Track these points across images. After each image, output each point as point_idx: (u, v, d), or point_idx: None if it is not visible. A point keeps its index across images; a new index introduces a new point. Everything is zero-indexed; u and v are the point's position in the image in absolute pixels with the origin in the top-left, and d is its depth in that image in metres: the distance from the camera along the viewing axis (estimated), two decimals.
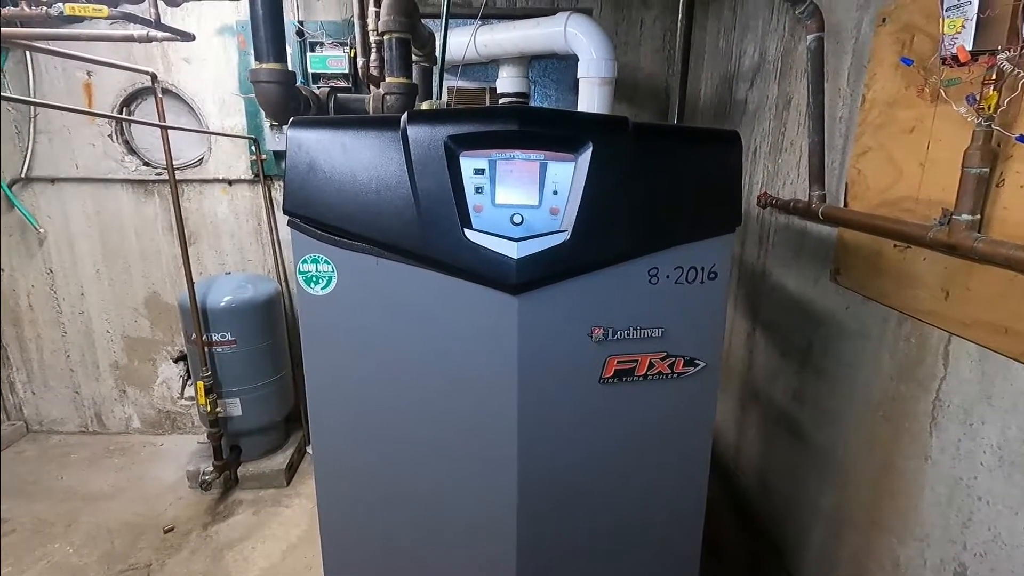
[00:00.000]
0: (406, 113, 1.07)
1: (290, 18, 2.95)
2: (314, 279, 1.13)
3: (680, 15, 1.96)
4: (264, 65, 1.41)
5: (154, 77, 2.43)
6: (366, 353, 1.16)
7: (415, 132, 1.05)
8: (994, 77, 1.09)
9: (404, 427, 1.20)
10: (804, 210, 1.86)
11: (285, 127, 2.86)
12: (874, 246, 1.62)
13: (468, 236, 1.06)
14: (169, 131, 2.63)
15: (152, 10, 1.64)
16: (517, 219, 1.06)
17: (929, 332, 1.42)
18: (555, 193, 1.07)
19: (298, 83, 3.03)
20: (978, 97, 1.08)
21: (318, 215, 1.09)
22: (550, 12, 2.60)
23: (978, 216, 1.22)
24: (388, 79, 1.68)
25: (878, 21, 1.62)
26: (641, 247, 1.10)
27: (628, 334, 1.14)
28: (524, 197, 1.07)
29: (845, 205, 1.76)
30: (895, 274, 1.53)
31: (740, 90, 2.62)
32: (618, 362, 1.16)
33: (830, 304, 1.86)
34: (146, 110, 3.15)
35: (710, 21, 2.98)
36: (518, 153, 1.07)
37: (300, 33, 2.95)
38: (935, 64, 1.25)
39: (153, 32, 1.73)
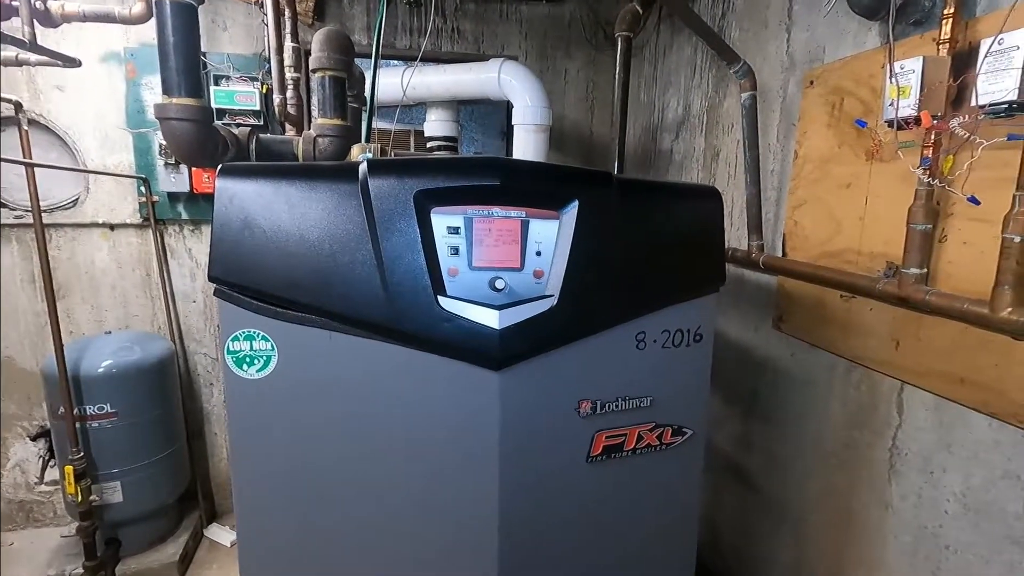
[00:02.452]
0: (366, 162, 0.92)
1: None
2: (247, 360, 0.91)
3: (617, 67, 1.98)
4: (174, 100, 1.19)
5: (18, 106, 2.06)
6: (316, 448, 0.96)
7: (378, 184, 0.90)
8: (936, 142, 1.15)
9: (366, 536, 1.00)
10: (744, 259, 1.90)
11: (183, 166, 2.53)
12: (817, 295, 1.66)
13: (442, 304, 0.91)
14: (36, 169, 2.23)
15: (27, 29, 1.35)
16: (499, 284, 0.94)
17: (880, 380, 1.46)
18: (539, 254, 0.96)
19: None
20: (931, 160, 1.12)
21: (255, 282, 0.89)
22: (478, 58, 2.57)
23: (925, 270, 1.27)
24: (321, 120, 1.50)
25: (806, 83, 1.71)
26: (630, 310, 1.02)
27: (617, 405, 1.04)
28: (505, 258, 0.95)
29: (784, 255, 1.81)
30: (841, 323, 1.57)
31: (665, 140, 2.71)
32: (607, 437, 1.04)
33: (774, 351, 1.89)
34: (6, 143, 2.68)
35: (631, 75, 3.10)
36: (497, 210, 0.95)
37: (203, 65, 2.67)
38: (879, 127, 1.31)
39: (25, 55, 1.43)
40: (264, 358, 0.91)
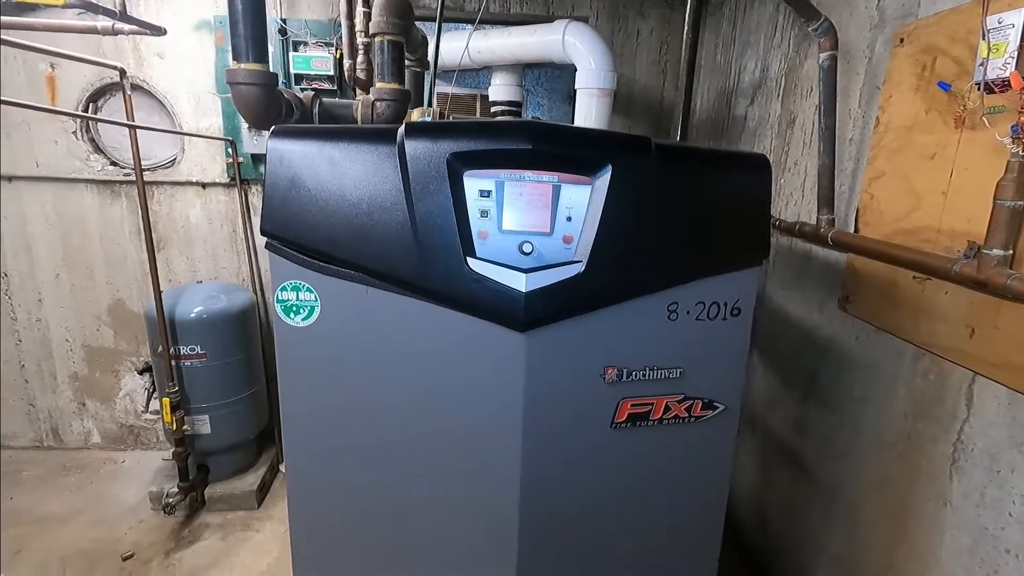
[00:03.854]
0: (403, 125, 0.95)
1: (273, 15, 2.80)
2: (294, 308, 0.99)
3: (686, 27, 1.88)
4: (243, 65, 1.27)
5: (123, 72, 2.27)
6: (352, 392, 1.03)
7: (413, 147, 0.93)
8: None
9: (394, 476, 1.08)
10: (812, 234, 1.78)
11: (265, 132, 2.69)
12: (889, 275, 1.54)
13: (471, 266, 0.94)
14: (139, 131, 2.46)
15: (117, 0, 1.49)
16: (527, 248, 0.95)
17: (950, 370, 1.35)
18: (569, 220, 0.96)
19: (280, 85, 2.89)
20: (1022, 128, 1.00)
21: (300, 237, 0.96)
22: (546, 19, 2.51)
23: (1011, 251, 1.15)
24: (379, 84, 1.55)
25: (895, 42, 1.55)
26: (661, 280, 1.00)
27: (644, 375, 1.04)
28: (535, 223, 0.96)
29: (856, 231, 1.69)
30: (912, 306, 1.46)
31: (739, 106, 2.55)
32: (632, 405, 1.05)
33: (838, 333, 1.78)
34: (115, 107, 2.96)
35: (707, 35, 2.92)
36: (529, 174, 0.96)
37: (283, 31, 2.80)
38: (971, 89, 1.17)
39: (119, 24, 1.57)
40: (308, 308, 0.99)
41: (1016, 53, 1.00)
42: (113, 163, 3.03)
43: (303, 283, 0.98)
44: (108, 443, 3.41)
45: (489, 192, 0.95)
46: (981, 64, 1.04)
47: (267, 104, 1.32)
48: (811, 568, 1.88)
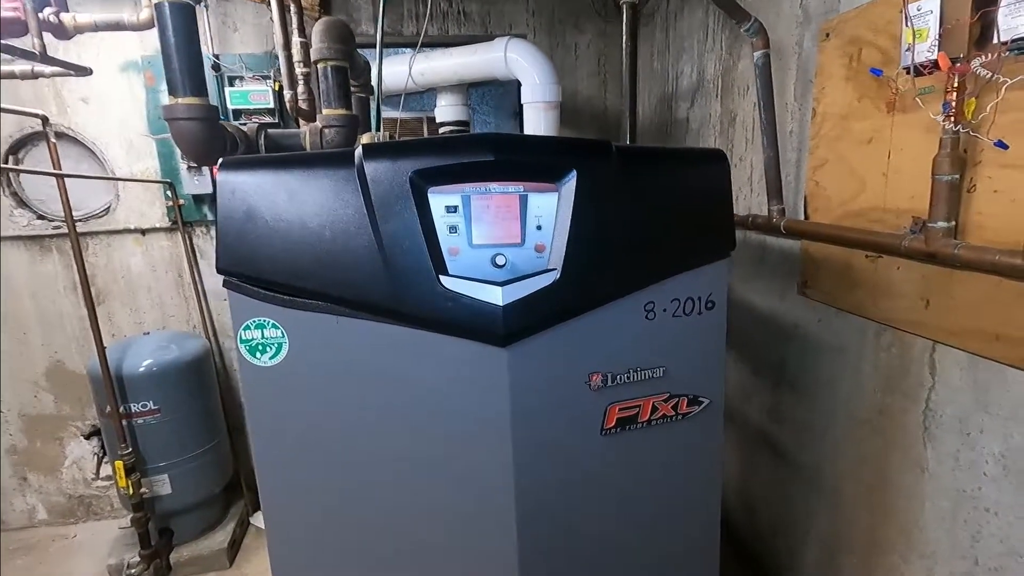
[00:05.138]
0: (360, 147, 0.92)
1: (204, 51, 2.72)
2: (260, 348, 0.94)
3: (624, 36, 1.93)
4: (180, 100, 1.22)
5: (45, 120, 2.14)
6: (330, 429, 0.98)
7: (373, 168, 0.90)
8: (959, 85, 1.08)
9: (382, 511, 1.02)
10: (764, 225, 1.84)
11: (205, 168, 2.59)
12: (843, 258, 1.60)
13: (445, 284, 0.92)
14: (69, 179, 2.32)
15: (36, 41, 1.40)
16: (500, 260, 0.93)
17: (911, 341, 1.40)
18: (539, 228, 0.95)
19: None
20: (953, 104, 1.06)
21: (261, 272, 0.91)
22: (486, 38, 2.53)
23: (953, 223, 1.21)
24: (326, 111, 1.52)
25: (821, 37, 1.64)
26: (636, 280, 1.00)
27: (628, 377, 1.03)
28: (505, 235, 0.94)
29: (806, 217, 1.75)
30: (869, 285, 1.52)
31: (680, 109, 2.64)
32: (620, 409, 1.04)
33: (800, 318, 1.83)
34: (38, 157, 2.79)
35: (642, 44, 3.02)
36: (494, 186, 0.94)
37: (216, 67, 2.72)
38: (899, 74, 1.24)
39: (39, 67, 1.48)
40: (275, 345, 0.94)
41: (938, 36, 1.06)
42: (40, 216, 2.85)
43: (267, 319, 0.93)
44: (56, 518, 3.15)
45: (456, 207, 0.93)
46: (908, 49, 1.10)
47: (209, 138, 1.26)
48: (800, 552, 1.91)
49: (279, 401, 0.96)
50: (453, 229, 0.93)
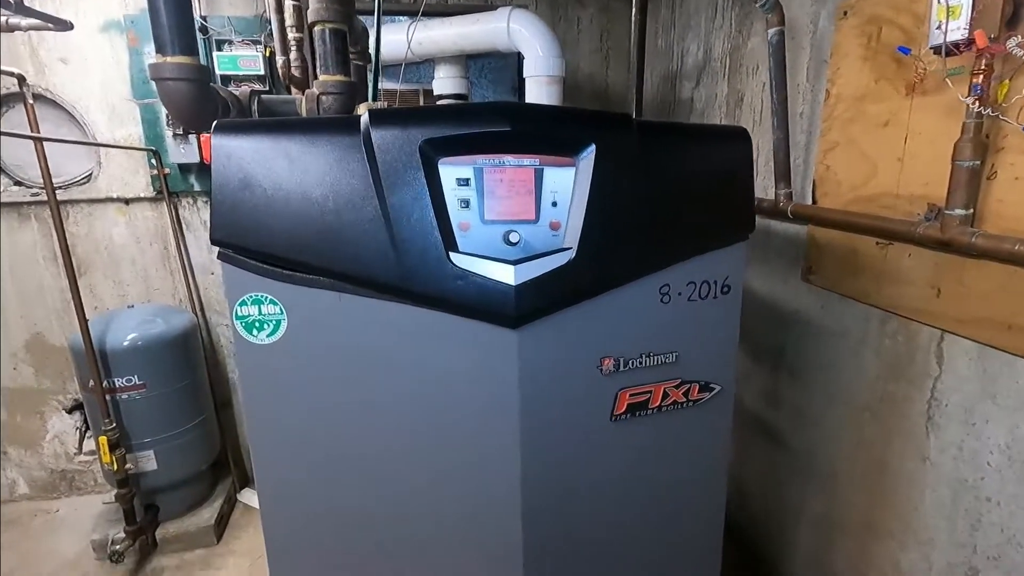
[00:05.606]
0: (367, 112, 0.86)
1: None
2: (257, 324, 0.89)
3: (634, 9, 1.86)
4: (168, 59, 1.13)
5: (21, 79, 2.02)
6: (331, 412, 0.94)
7: (381, 135, 0.85)
8: (989, 67, 1.04)
9: (383, 495, 0.99)
10: (771, 209, 1.80)
11: (192, 136, 2.48)
12: (850, 244, 1.58)
13: (454, 261, 0.87)
14: (48, 143, 2.21)
15: None
16: (513, 237, 0.88)
17: (918, 330, 1.39)
18: (554, 205, 0.90)
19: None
20: (982, 87, 1.02)
21: (259, 244, 0.86)
22: (486, 9, 2.44)
23: (971, 211, 1.18)
24: (323, 76, 1.44)
25: (838, 15, 1.59)
26: (653, 262, 0.96)
27: (640, 362, 0.99)
28: (519, 210, 0.89)
29: (814, 202, 1.72)
30: (876, 272, 1.49)
31: (685, 89, 2.58)
32: (631, 395, 1.00)
33: (803, 304, 1.82)
34: (15, 120, 2.66)
35: (648, 21, 2.94)
36: (509, 158, 0.89)
37: (204, 30, 2.60)
38: (925, 54, 1.20)
39: (15, 19, 1.38)
40: (273, 322, 0.89)
41: (971, 15, 1.02)
42: (17, 183, 2.73)
43: (265, 295, 0.87)
44: (38, 492, 3.09)
45: (468, 180, 0.88)
46: (938, 27, 1.06)
47: (200, 101, 1.19)
48: (793, 534, 1.92)
49: (276, 381, 0.92)
50: (464, 203, 0.88)
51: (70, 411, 3.03)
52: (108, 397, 2.40)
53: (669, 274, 0.97)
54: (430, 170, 0.86)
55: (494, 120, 0.88)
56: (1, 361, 2.89)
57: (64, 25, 1.52)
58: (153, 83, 1.18)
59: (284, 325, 0.89)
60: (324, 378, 0.92)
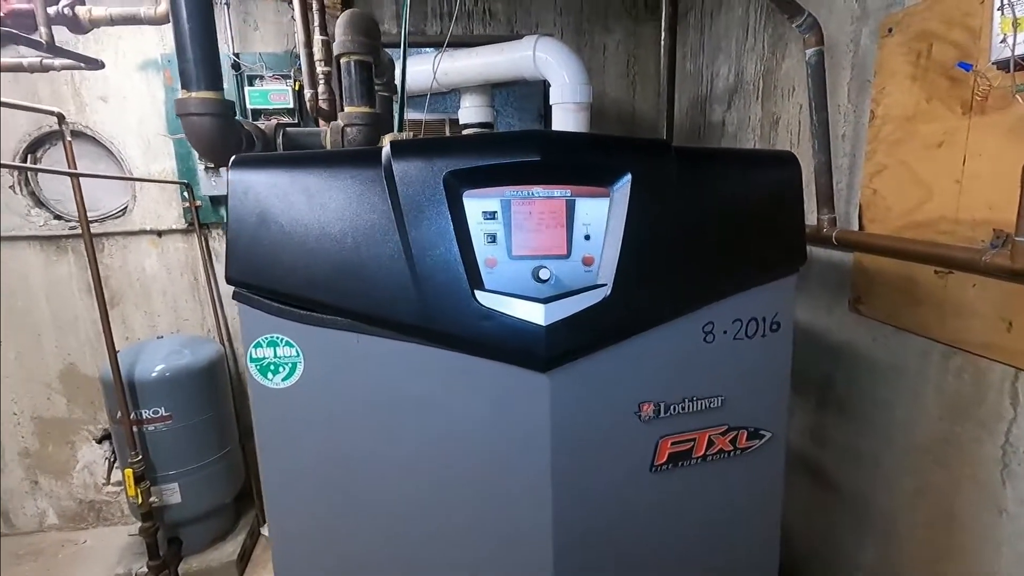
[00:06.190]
0: (388, 144, 0.82)
1: (224, 51, 2.67)
2: (272, 367, 0.84)
3: (663, 32, 1.82)
4: (193, 94, 1.13)
5: (61, 118, 2.08)
6: (349, 459, 0.88)
7: (403, 168, 0.80)
8: None
9: (405, 550, 0.91)
10: (813, 235, 1.70)
11: (223, 169, 2.51)
12: (904, 272, 1.47)
13: (480, 300, 0.81)
14: (85, 179, 2.26)
15: (43, 30, 1.32)
16: (543, 274, 0.82)
17: (987, 367, 1.26)
18: (587, 238, 0.84)
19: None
20: None
21: (275, 282, 0.81)
22: (512, 39, 2.44)
23: None
24: (348, 108, 1.42)
25: (882, 32, 1.51)
26: (695, 299, 0.88)
27: (683, 408, 0.91)
28: (549, 245, 0.83)
29: (860, 228, 1.62)
30: (936, 303, 1.38)
31: (715, 112, 2.52)
32: (672, 444, 0.92)
33: (851, 335, 1.70)
34: (56, 156, 2.75)
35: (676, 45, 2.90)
36: (538, 190, 0.83)
37: (236, 66, 2.66)
38: (989, 69, 1.11)
39: (48, 59, 1.40)
40: (290, 365, 0.84)
41: None
42: (57, 217, 2.81)
43: (281, 336, 0.83)
44: (66, 522, 3.10)
45: (494, 213, 0.83)
46: (1002, 41, 0.97)
47: (224, 136, 1.18)
48: None
49: (293, 427, 0.86)
50: (491, 238, 0.82)
51: (100, 441, 3.06)
52: (135, 428, 2.40)
53: (713, 311, 0.90)
54: (454, 203, 0.81)
55: (523, 149, 0.83)
56: (30, 393, 2.93)
57: (96, 64, 1.56)
58: (178, 117, 1.18)
59: (300, 368, 0.84)
60: (342, 423, 0.86)
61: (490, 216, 0.83)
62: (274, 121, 1.33)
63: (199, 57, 1.13)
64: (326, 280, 0.80)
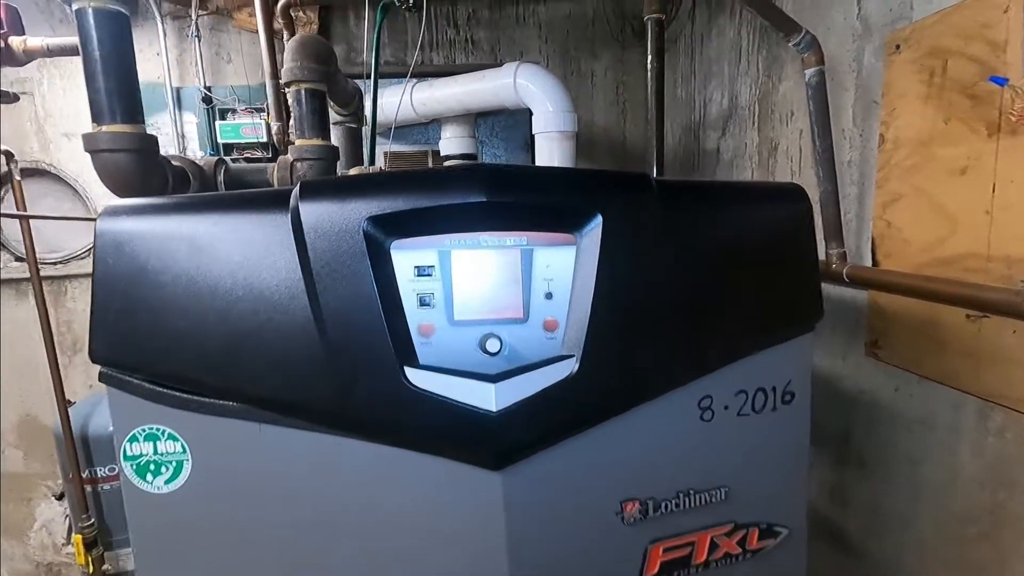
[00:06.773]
0: (299, 184, 0.66)
1: (195, 83, 2.57)
2: (153, 467, 0.66)
3: (650, 56, 1.69)
4: (104, 128, 0.98)
5: (9, 156, 1.95)
6: None
7: (314, 212, 0.64)
8: None
9: None
10: (822, 271, 1.53)
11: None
12: (928, 313, 1.30)
13: (411, 379, 0.63)
14: (45, 220, 2.13)
15: None
16: (492, 345, 0.65)
17: None
18: (549, 296, 0.67)
19: (204, 155, 2.60)
20: None
21: (154, 360, 0.64)
22: (494, 67, 2.33)
23: None
24: (299, 141, 1.28)
25: (889, 49, 1.37)
26: (688, 368, 0.71)
27: (677, 504, 0.73)
28: (501, 306, 0.66)
29: (874, 264, 1.45)
30: (968, 350, 1.20)
31: (710, 139, 2.38)
32: (665, 550, 0.73)
33: (870, 383, 1.52)
34: (31, 195, 2.62)
35: (665, 72, 2.80)
36: (486, 237, 0.67)
37: (207, 100, 2.56)
38: (1022, 87, 0.96)
39: None
40: (174, 464, 0.66)
41: None
42: (19, 259, 2.65)
43: (162, 428, 0.65)
44: None
45: (431, 268, 0.66)
46: None
47: (143, 174, 1.02)
48: None
49: (178, 543, 0.68)
50: (426, 300, 0.65)
51: (59, 497, 2.83)
52: (88, 488, 2.19)
53: (711, 383, 0.72)
54: (378, 256, 0.64)
55: (465, 188, 0.66)
56: None
57: (9, 98, 1.42)
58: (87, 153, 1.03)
59: (188, 467, 0.66)
60: (241, 536, 0.68)
61: (425, 272, 0.66)
62: (215, 157, 1.19)
63: (112, 87, 0.99)
64: (218, 356, 0.63)
